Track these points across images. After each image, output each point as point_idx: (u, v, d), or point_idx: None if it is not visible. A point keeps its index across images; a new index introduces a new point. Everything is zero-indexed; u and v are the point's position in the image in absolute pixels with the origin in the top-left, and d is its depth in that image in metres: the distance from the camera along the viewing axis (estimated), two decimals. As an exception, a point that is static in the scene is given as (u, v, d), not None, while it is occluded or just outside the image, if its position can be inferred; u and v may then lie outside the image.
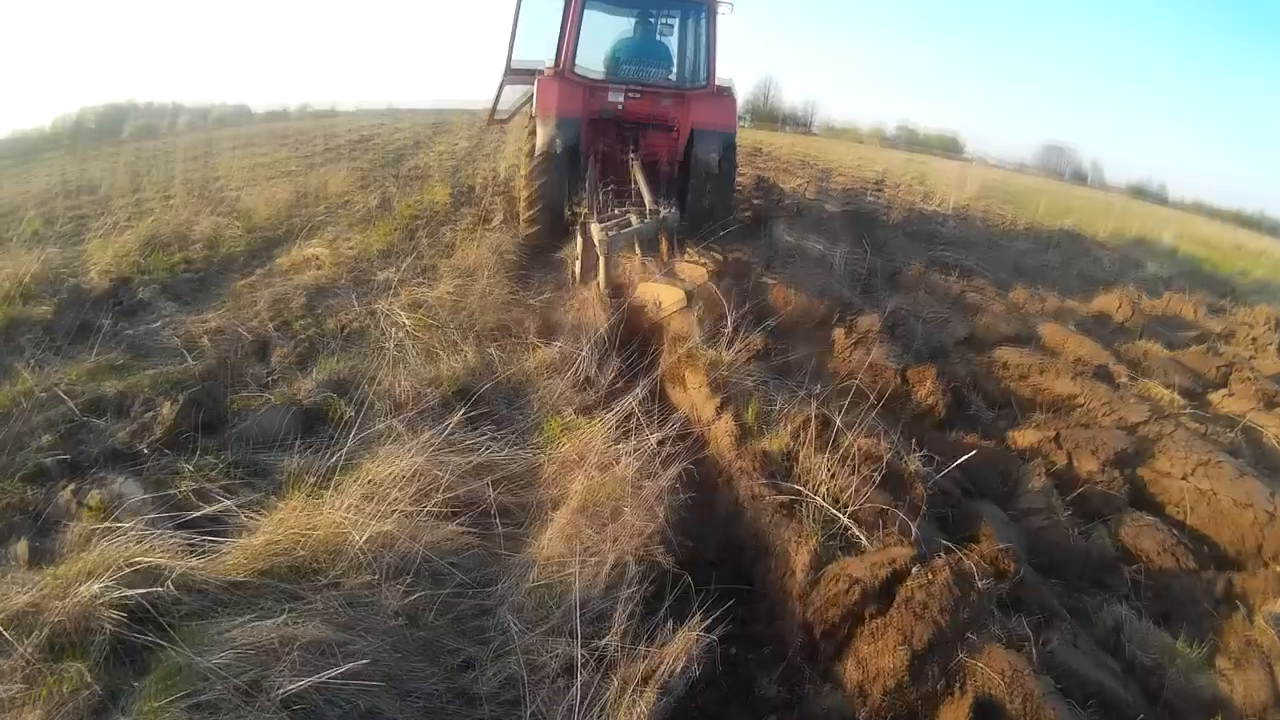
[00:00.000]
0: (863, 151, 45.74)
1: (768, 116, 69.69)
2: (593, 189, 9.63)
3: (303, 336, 6.72)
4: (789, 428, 4.91)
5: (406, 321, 6.57)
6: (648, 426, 4.54)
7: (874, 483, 4.29)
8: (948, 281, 10.50)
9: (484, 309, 7.20)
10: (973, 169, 43.69)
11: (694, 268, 8.07)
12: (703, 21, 10.76)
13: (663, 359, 6.27)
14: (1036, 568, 4.31)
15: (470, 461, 4.25)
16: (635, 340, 6.72)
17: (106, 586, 3.02)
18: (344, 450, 4.33)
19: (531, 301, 7.70)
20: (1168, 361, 8.24)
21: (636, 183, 9.38)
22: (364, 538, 3.50)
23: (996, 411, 6.58)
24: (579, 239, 8.05)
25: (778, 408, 5.20)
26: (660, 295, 7.33)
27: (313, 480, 4.15)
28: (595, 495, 3.98)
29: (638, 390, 4.97)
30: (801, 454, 4.62)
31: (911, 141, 70.78)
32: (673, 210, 8.60)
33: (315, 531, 3.57)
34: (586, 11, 10.44)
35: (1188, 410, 6.73)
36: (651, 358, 6.38)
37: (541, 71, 10.46)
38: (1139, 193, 62.49)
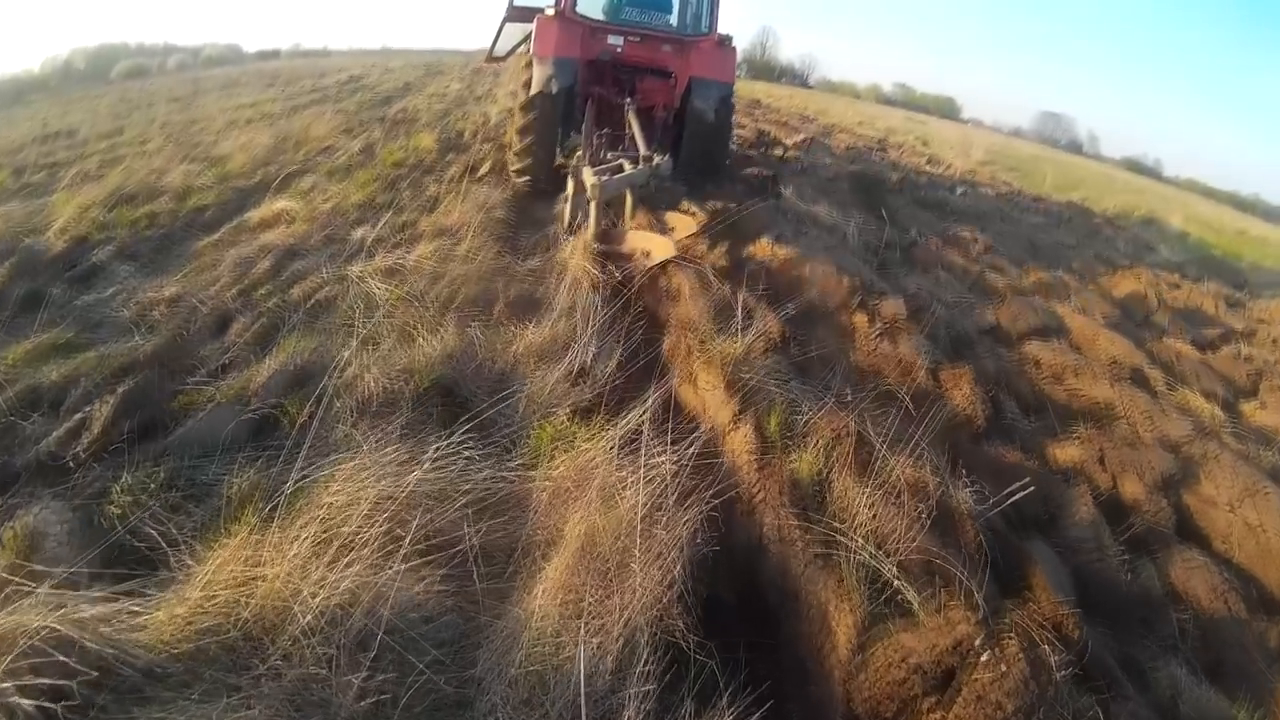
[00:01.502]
0: (862, 109, 44.88)
1: (765, 69, 68.70)
2: (587, 134, 9.26)
3: (265, 308, 5.99)
4: (819, 444, 4.24)
5: (380, 292, 5.85)
6: (658, 445, 3.82)
7: (922, 523, 3.68)
8: (966, 259, 9.84)
9: (467, 278, 6.43)
10: (976, 134, 43.12)
11: (683, 218, 8.00)
12: None
13: (668, 348, 5.59)
14: (1084, 608, 3.74)
15: (446, 486, 3.52)
16: (630, 299, 6.23)
17: (10, 669, 2.40)
18: (298, 466, 3.61)
19: (519, 269, 6.94)
20: (1199, 365, 7.75)
21: (631, 129, 9.05)
22: (317, 602, 2.80)
23: (1031, 419, 5.96)
24: (570, 184, 7.77)
25: (804, 417, 4.51)
26: (649, 245, 7.11)
27: (259, 504, 3.47)
28: (596, 540, 3.25)
29: (646, 399, 4.14)
30: (836, 481, 3.96)
31: (908, 101, 70.11)
32: (666, 159, 8.19)
33: (258, 588, 2.86)
34: None
35: (1228, 427, 6.30)
36: (646, 328, 5.71)
37: (543, 11, 9.96)
38: (1135, 167, 62.46)
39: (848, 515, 3.75)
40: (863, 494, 3.81)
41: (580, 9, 10.05)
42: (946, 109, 71.93)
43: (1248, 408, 7.06)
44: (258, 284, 6.53)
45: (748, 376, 4.83)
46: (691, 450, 3.68)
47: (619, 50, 10.26)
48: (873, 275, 7.74)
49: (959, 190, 16.23)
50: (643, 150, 8.17)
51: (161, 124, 15.38)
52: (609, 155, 8.44)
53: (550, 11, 9.87)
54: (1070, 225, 15.20)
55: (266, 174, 10.64)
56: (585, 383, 4.90)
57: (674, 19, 11.01)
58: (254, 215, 8.59)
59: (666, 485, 3.50)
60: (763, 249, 7.73)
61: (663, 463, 3.61)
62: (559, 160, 10.51)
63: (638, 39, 10.30)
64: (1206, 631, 3.99)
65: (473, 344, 5.21)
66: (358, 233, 7.73)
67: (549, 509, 3.58)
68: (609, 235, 7.38)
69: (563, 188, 8.33)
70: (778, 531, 3.70)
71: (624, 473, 3.61)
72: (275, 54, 51.42)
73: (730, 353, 5.05)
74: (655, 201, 8.45)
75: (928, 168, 19.63)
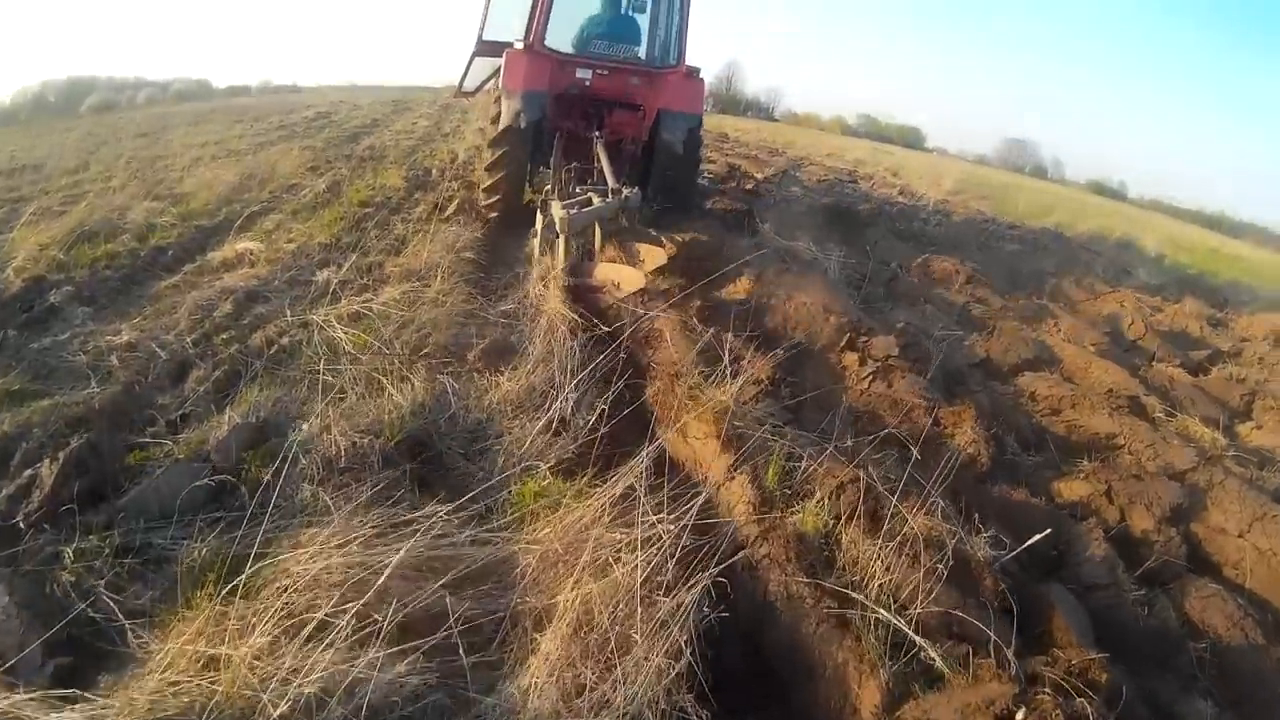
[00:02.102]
0: (829, 140, 45.14)
1: (731, 103, 69.21)
2: (556, 167, 9.31)
3: (225, 356, 5.62)
4: (822, 496, 3.96)
5: (344, 340, 5.51)
6: (652, 503, 3.49)
7: (939, 576, 3.40)
8: (949, 290, 9.64)
9: (437, 323, 6.10)
10: (946, 163, 43.45)
11: (653, 249, 7.77)
12: (675, 1, 10.52)
13: (653, 396, 5.29)
14: (1101, 648, 3.53)
15: (423, 554, 3.18)
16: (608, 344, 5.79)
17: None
18: (261, 532, 3.29)
19: (492, 312, 6.58)
20: (1192, 390, 7.62)
21: (600, 162, 9.10)
22: (291, 690, 2.46)
23: (1033, 454, 5.72)
24: (539, 218, 7.83)
25: (802, 466, 4.22)
26: (619, 277, 7.07)
27: (221, 574, 3.13)
28: (593, 610, 2.92)
29: (636, 457, 3.73)
30: (844, 536, 3.68)
31: (873, 132, 70.86)
32: (635, 191, 8.27)
33: (223, 674, 2.53)
34: None
35: (1229, 452, 6.23)
36: (627, 374, 5.36)
37: (512, 45, 9.98)
38: (1100, 189, 63.30)
39: (859, 572, 3.51)
40: (873, 548, 3.56)
41: (549, 42, 9.95)
42: (911, 139, 72.82)
43: (1244, 429, 7.03)
44: (218, 329, 6.17)
45: (741, 426, 4.52)
46: (690, 511, 3.33)
47: (587, 83, 10.23)
48: (859, 311, 7.45)
49: (934, 220, 16.14)
50: (611, 183, 8.21)
51: (127, 159, 14.90)
52: (578, 189, 8.42)
53: (519, 45, 9.84)
54: (1048, 251, 15.07)
55: (230, 212, 10.29)
56: (567, 434, 4.58)
57: (642, 51, 10.99)
58: (216, 256, 8.25)
59: (665, 549, 3.16)
60: (744, 287, 7.45)
61: (659, 524, 3.28)
62: (529, 195, 10.48)
63: (606, 72, 10.28)
64: (1225, 662, 3.88)
65: (445, 394, 4.88)
66: (322, 275, 7.40)
67: (538, 577, 3.26)
68: (579, 268, 7.29)
69: (533, 222, 8.30)
70: (786, 592, 3.40)
71: (617, 534, 3.29)
72: (245, 90, 51.42)
73: (721, 401, 4.71)
74: (627, 235, 8.19)
75: (900, 198, 19.52)
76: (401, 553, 3.04)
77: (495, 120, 9.87)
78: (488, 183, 10.00)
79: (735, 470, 4.20)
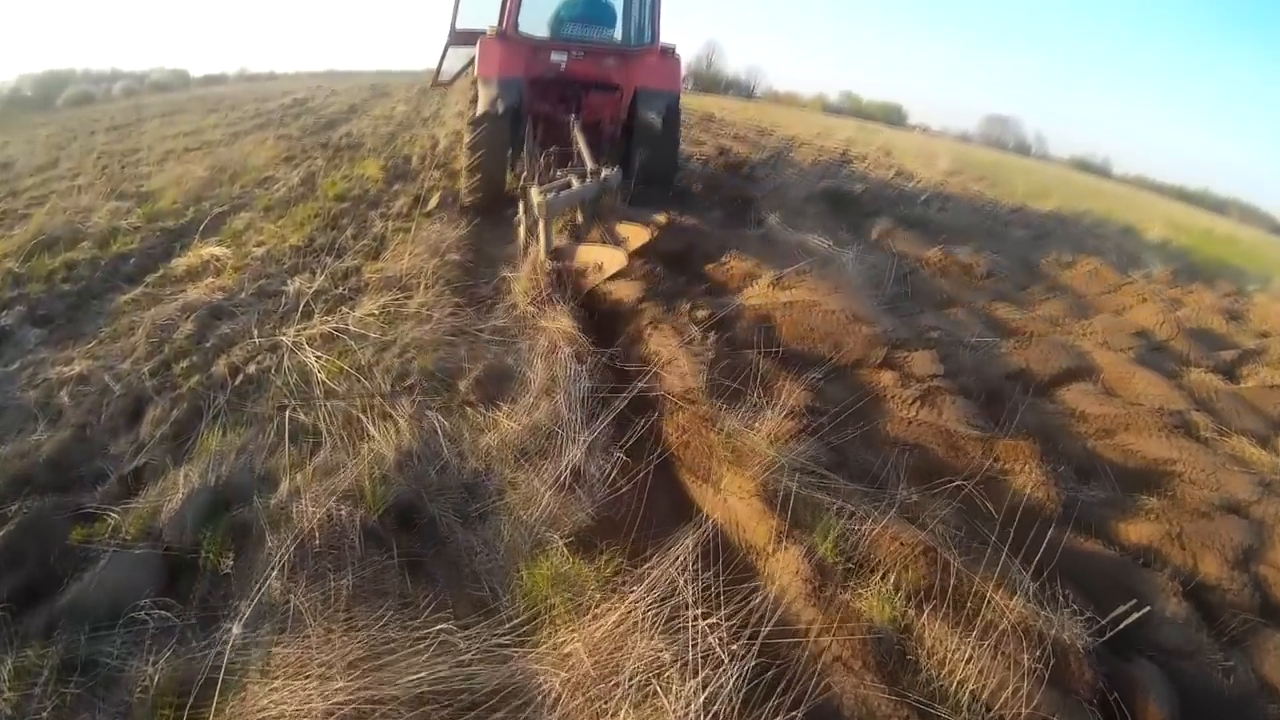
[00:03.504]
0: (817, 120, 44.45)
1: (712, 82, 68.39)
2: (531, 152, 9.25)
3: (185, 389, 4.96)
4: (889, 572, 3.35)
5: (317, 368, 4.85)
6: (696, 589, 2.86)
7: (1039, 678, 2.86)
8: (970, 287, 9.06)
9: (422, 344, 5.41)
10: (935, 142, 42.93)
11: (636, 229, 7.49)
12: None
13: (673, 435, 4.58)
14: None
15: (423, 679, 2.53)
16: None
17: None
18: (228, 645, 2.65)
19: (483, 328, 5.86)
20: (1233, 400, 7.00)
21: (577, 145, 9.08)
22: None
23: (1091, 487, 5.08)
24: (521, 205, 7.79)
25: (860, 527, 3.58)
26: (600, 258, 6.90)
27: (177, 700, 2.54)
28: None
29: (676, 544, 3.10)
30: (924, 629, 3.06)
31: (855, 110, 70.37)
32: (615, 171, 8.18)
33: None
34: None
35: None
36: (640, 403, 4.72)
37: (485, 33, 9.94)
38: (1085, 166, 63.15)
39: (944, 675, 2.90)
40: (956, 639, 2.97)
41: (523, 29, 9.98)
42: (893, 116, 72.15)
43: (1289, 444, 6.43)
44: (178, 355, 5.50)
45: (785, 481, 3.81)
46: (751, 620, 2.69)
47: (563, 67, 10.32)
48: (887, 317, 6.83)
49: (935, 205, 15.60)
50: (589, 165, 8.20)
51: (98, 155, 14.31)
52: (558, 172, 8.31)
53: (491, 32, 9.86)
54: (1055, 238, 14.51)
55: (199, 211, 9.65)
56: (581, 490, 3.89)
57: (617, 33, 10.94)
58: (180, 263, 7.58)
59: (724, 668, 2.52)
60: (760, 291, 6.77)
61: (713, 638, 2.64)
62: (511, 182, 10.42)
63: (581, 54, 10.37)
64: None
65: (435, 435, 4.20)
66: (294, 284, 6.71)
67: (567, 710, 2.60)
68: (561, 252, 7.11)
69: (518, 210, 8.28)
70: (865, 708, 2.77)
71: (659, 644, 2.66)
72: (221, 79, 50.32)
73: (766, 456, 4.02)
74: (611, 216, 7.89)
75: (897, 179, 18.96)
76: (398, 688, 2.40)
77: (472, 109, 9.95)
78: (468, 172, 9.89)
79: (784, 537, 3.56)
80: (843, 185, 15.06)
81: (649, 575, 2.98)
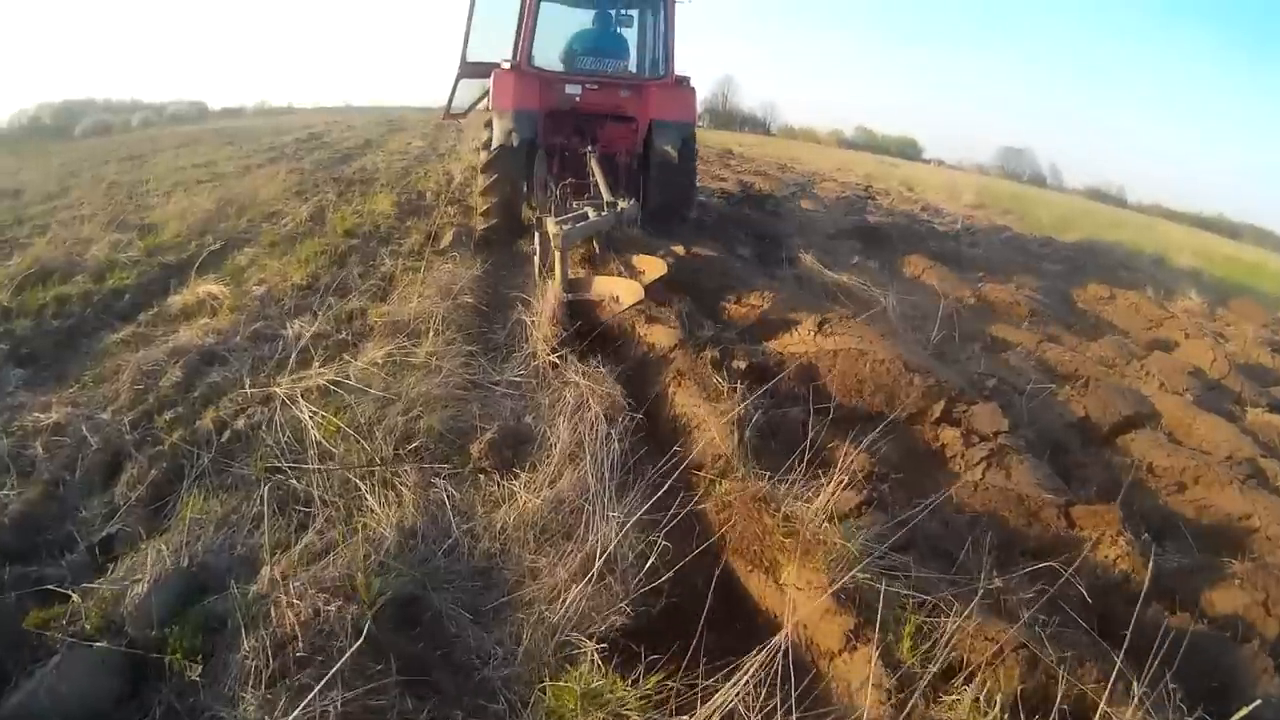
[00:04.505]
0: (834, 155, 44.35)
1: (727, 119, 68.44)
2: (545, 185, 9.49)
3: (167, 444, 4.46)
4: (978, 675, 2.79)
5: (311, 424, 4.34)
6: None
7: None
8: (1015, 327, 8.49)
9: (429, 400, 4.84)
10: (956, 175, 42.57)
11: (652, 261, 7.35)
12: (661, 12, 10.42)
13: (715, 512, 3.97)
14: None
15: None
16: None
17: None
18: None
19: (498, 381, 5.29)
20: (1293, 442, 6.52)
21: (594, 176, 9.08)
22: None
23: (1168, 548, 4.56)
24: (537, 237, 7.59)
25: (944, 624, 3.02)
26: (617, 290, 6.67)
27: None
28: None
29: (744, 672, 2.50)
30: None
31: (870, 144, 70.36)
32: (631, 203, 8.31)
33: None
34: (543, 4, 10.10)
35: None
36: (674, 467, 4.13)
37: (498, 65, 9.96)
38: (1100, 196, 62.86)
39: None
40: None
41: (536, 61, 10.00)
42: (909, 150, 72.00)
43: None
44: (163, 405, 5.01)
45: (854, 571, 3.20)
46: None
47: (578, 99, 10.19)
48: (940, 365, 6.24)
49: (966, 240, 15.21)
50: (606, 196, 8.22)
51: (108, 185, 14.25)
52: (574, 204, 8.27)
53: (506, 65, 9.84)
54: (1088, 271, 14.02)
55: (201, 245, 9.31)
56: (613, 580, 3.24)
57: (631, 64, 10.97)
58: (176, 301, 7.17)
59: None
60: (801, 338, 6.23)
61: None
62: (526, 214, 10.12)
63: (596, 86, 10.27)
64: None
65: (442, 509, 3.64)
66: (293, 327, 6.21)
67: None
68: (577, 284, 6.87)
69: (531, 241, 8.13)
70: None
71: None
72: (240, 112, 50.89)
73: (827, 540, 3.42)
74: (629, 248, 7.82)
75: (923, 215, 18.59)
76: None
77: (487, 142, 9.69)
78: (484, 205, 9.77)
79: (856, 639, 3.00)
80: (870, 221, 14.78)
81: (707, 699, 2.42)
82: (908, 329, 7.14)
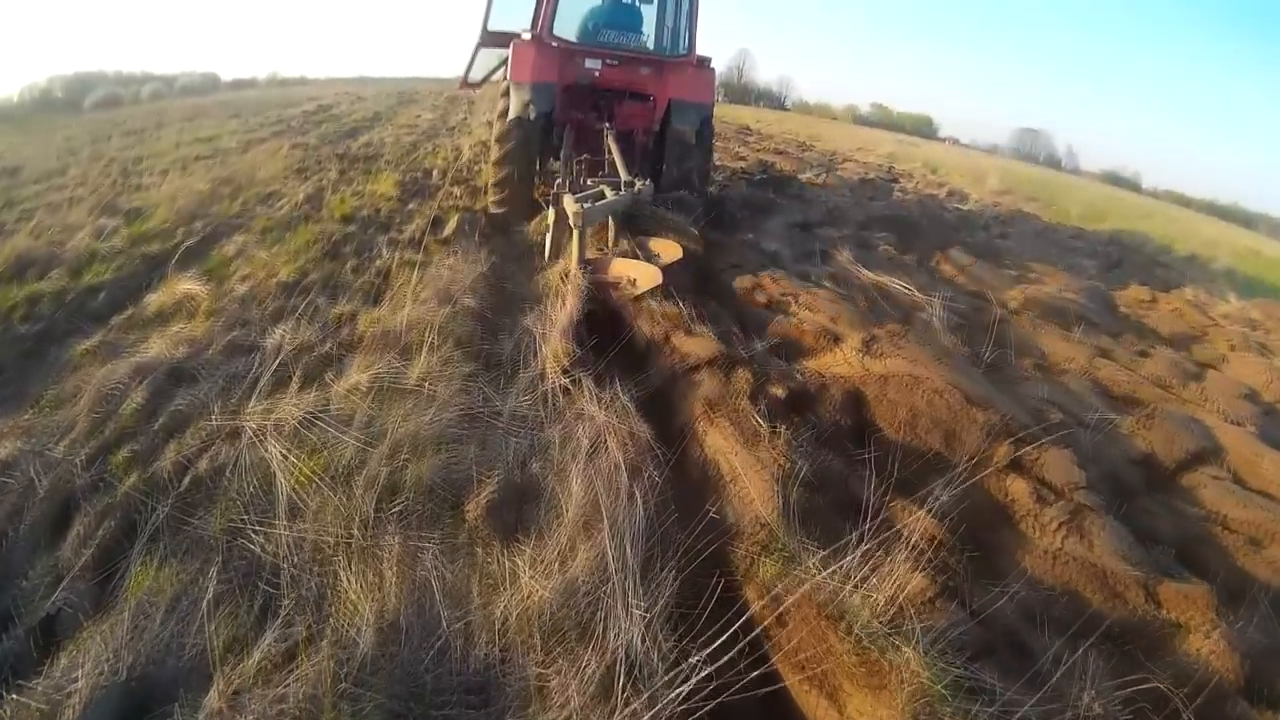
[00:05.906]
0: (854, 133, 44.01)
1: (742, 93, 67.75)
2: (566, 160, 9.43)
3: (121, 491, 3.86)
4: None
5: (282, 471, 3.74)
6: None
7: None
8: (1067, 339, 7.76)
9: (419, 440, 4.10)
10: (986, 160, 42.05)
11: (669, 244, 7.24)
12: None
13: (753, 600, 3.22)
14: None
15: None
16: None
17: None
18: None
19: (502, 412, 4.54)
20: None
21: (611, 154, 9.06)
22: None
23: (1237, 613, 3.85)
24: (551, 213, 7.43)
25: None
26: (635, 273, 6.58)
27: None
28: None
29: None
30: None
31: (886, 121, 69.80)
32: (649, 184, 8.12)
33: None
34: None
35: None
36: (705, 531, 3.49)
37: (518, 36, 9.85)
38: (1116, 180, 62.60)
39: None
40: None
41: (557, 31, 9.81)
42: (924, 128, 71.39)
43: None
44: (121, 437, 4.40)
45: (935, 704, 2.58)
46: None
47: (597, 74, 10.13)
48: (999, 394, 5.49)
49: (995, 229, 14.80)
50: (624, 175, 8.15)
51: (107, 162, 13.73)
52: (588, 182, 8.29)
53: (526, 36, 9.79)
54: (1125, 269, 13.57)
55: (189, 232, 8.78)
56: (639, 700, 2.52)
57: (651, 41, 10.85)
58: (153, 300, 6.57)
59: None
60: (845, 359, 5.54)
61: None
62: (538, 189, 10.22)
63: (616, 62, 10.17)
64: None
65: (430, 594, 3.01)
66: (273, 336, 5.60)
67: None
68: (593, 264, 6.79)
69: (542, 225, 8.11)
70: None
71: None
72: (251, 83, 50.38)
73: (903, 666, 2.70)
74: (648, 228, 7.64)
75: (949, 200, 18.09)
76: None
77: (503, 115, 9.69)
78: (495, 176, 9.73)
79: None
80: (900, 209, 14.32)
81: None
82: (957, 343, 6.47)
